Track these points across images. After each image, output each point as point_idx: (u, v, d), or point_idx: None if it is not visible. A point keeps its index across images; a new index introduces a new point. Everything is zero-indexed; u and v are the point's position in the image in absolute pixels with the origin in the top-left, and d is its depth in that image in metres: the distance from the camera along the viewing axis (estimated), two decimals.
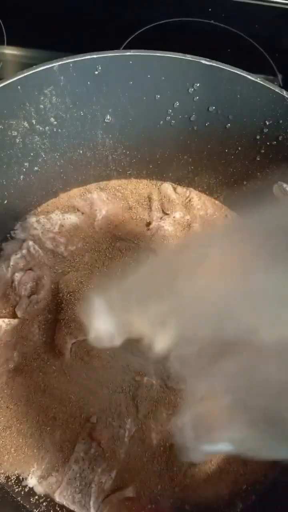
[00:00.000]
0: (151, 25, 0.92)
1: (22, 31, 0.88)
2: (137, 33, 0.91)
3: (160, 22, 0.92)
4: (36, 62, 0.46)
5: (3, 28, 0.86)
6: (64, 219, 0.64)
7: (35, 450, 0.53)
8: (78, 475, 0.54)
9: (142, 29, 0.91)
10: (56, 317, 0.58)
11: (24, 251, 0.62)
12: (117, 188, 0.67)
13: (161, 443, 0.56)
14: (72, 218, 0.64)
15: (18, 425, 0.54)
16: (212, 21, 0.92)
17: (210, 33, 0.93)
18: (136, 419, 0.56)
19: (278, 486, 0.56)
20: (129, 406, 0.56)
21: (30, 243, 0.62)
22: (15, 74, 0.45)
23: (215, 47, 0.92)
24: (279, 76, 0.91)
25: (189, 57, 0.47)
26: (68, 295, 0.58)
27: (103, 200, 0.66)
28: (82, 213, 0.65)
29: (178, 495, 0.54)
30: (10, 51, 0.85)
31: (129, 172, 0.66)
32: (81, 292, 0.58)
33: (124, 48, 0.89)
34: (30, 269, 0.61)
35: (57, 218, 0.64)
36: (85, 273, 0.61)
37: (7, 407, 0.55)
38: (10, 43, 0.85)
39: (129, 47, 0.88)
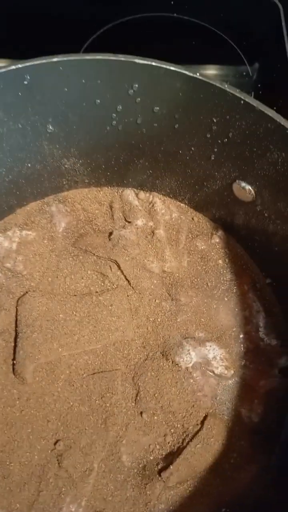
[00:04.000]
0: (112, 23, 0.88)
1: None
2: (98, 33, 0.88)
3: (122, 20, 0.89)
4: None
5: None
6: (22, 235, 0.61)
7: (0, 490, 0.50)
8: (46, 505, 0.51)
9: (103, 29, 0.88)
10: (15, 340, 0.55)
11: None
12: (77, 198, 0.64)
13: (133, 466, 0.53)
14: (30, 234, 0.61)
15: None
16: (175, 14, 0.88)
17: (174, 26, 0.90)
18: (106, 443, 0.53)
19: (261, 504, 0.52)
20: (99, 429, 0.54)
21: None
22: None
23: (181, 41, 0.88)
24: (250, 66, 0.87)
25: (121, 57, 0.44)
26: (26, 317, 0.55)
27: (63, 213, 0.63)
28: (41, 228, 0.62)
29: None
30: None
31: (86, 181, 0.63)
32: (39, 313, 0.55)
33: (85, 51, 0.86)
34: None
35: (15, 235, 0.61)
36: (44, 292, 0.58)
37: None
38: None
39: (91, 49, 0.85)
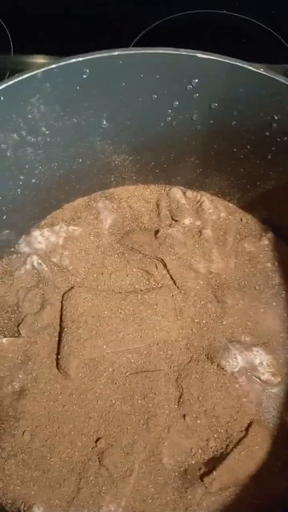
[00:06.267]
0: (162, 20, 0.88)
1: (30, 39, 0.86)
2: (147, 29, 0.87)
3: (171, 16, 0.88)
4: None
5: (10, 37, 0.85)
6: (69, 231, 0.61)
7: (40, 484, 0.50)
8: (85, 502, 0.51)
9: (153, 25, 0.87)
10: (60, 335, 0.55)
11: (28, 266, 0.60)
12: (123, 196, 0.64)
13: (174, 469, 0.52)
14: (77, 230, 0.61)
15: (23, 455, 0.51)
16: (225, 11, 0.87)
17: (224, 23, 0.88)
18: (147, 443, 0.52)
19: None
20: (140, 429, 0.53)
21: (34, 257, 0.60)
22: None
23: (229, 38, 0.87)
24: None
25: (183, 51, 0.43)
26: (71, 313, 0.55)
27: (109, 209, 0.63)
28: (87, 224, 0.62)
29: None
30: (17, 59, 0.83)
31: (134, 178, 0.62)
32: (85, 309, 0.55)
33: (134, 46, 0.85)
34: (35, 285, 0.59)
35: (61, 231, 0.61)
36: (90, 288, 0.58)
37: (11, 434, 0.52)
38: (17, 51, 0.84)
39: (139, 45, 0.85)
